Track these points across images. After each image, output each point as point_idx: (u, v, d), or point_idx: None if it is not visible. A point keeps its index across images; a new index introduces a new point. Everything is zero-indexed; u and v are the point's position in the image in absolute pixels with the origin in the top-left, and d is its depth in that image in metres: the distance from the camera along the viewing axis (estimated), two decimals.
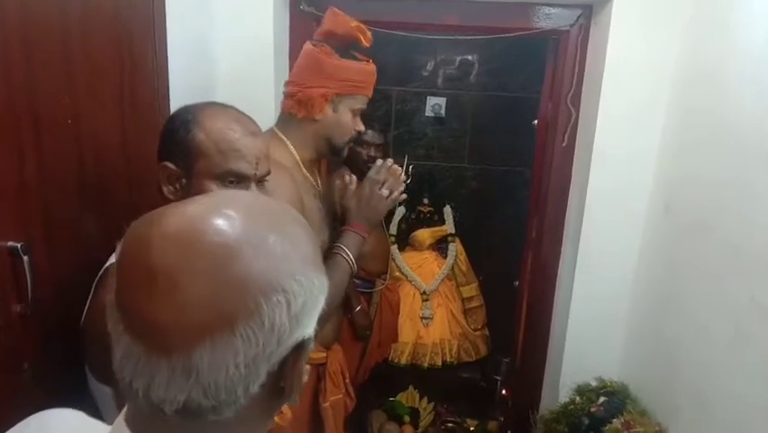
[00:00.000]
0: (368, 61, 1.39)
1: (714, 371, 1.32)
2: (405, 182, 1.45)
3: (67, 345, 0.92)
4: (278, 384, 0.47)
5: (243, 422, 0.48)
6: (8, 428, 0.55)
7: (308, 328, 0.47)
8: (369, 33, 1.38)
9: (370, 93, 1.40)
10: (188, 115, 0.95)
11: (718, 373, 1.30)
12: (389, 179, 1.39)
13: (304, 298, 0.45)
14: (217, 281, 0.42)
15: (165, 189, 0.95)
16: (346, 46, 1.37)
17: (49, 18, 0.90)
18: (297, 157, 1.36)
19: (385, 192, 1.38)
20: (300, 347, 0.47)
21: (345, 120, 1.36)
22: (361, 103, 1.38)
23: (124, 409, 0.49)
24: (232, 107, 1.00)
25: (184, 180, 0.94)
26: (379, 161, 1.41)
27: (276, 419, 1.07)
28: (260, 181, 1.00)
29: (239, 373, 0.43)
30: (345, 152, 1.43)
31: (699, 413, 1.37)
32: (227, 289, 0.42)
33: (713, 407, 1.31)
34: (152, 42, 1.21)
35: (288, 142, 1.35)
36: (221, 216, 0.44)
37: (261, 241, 0.44)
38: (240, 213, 0.45)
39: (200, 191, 0.92)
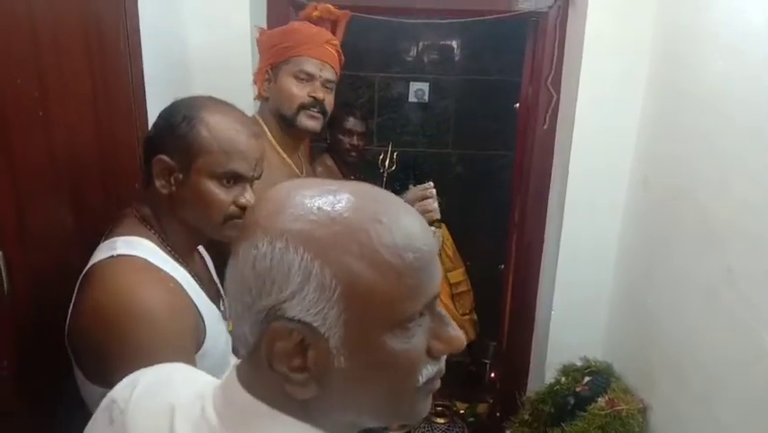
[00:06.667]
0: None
1: (688, 344, 1.34)
2: (390, 170, 1.47)
3: (49, 344, 0.90)
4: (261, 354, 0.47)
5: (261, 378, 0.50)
6: None
7: (282, 301, 0.45)
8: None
9: (308, 52, 1.36)
10: (191, 111, 0.93)
11: (692, 345, 1.32)
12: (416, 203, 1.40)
13: (270, 262, 0.45)
14: None
15: (158, 183, 0.93)
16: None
17: (13, 5, 0.87)
18: (273, 140, 1.40)
19: None
20: (271, 319, 0.46)
21: (286, 86, 1.36)
22: (300, 65, 1.36)
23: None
24: (232, 105, 0.99)
25: (180, 175, 0.92)
26: (412, 188, 1.45)
27: None
28: (252, 182, 1.01)
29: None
30: (303, 123, 1.38)
31: (676, 387, 1.39)
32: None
33: (688, 379, 1.34)
34: (124, 29, 1.18)
35: (264, 127, 1.40)
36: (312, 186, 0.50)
37: (303, 204, 0.47)
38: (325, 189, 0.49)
39: (197, 188, 0.92)
